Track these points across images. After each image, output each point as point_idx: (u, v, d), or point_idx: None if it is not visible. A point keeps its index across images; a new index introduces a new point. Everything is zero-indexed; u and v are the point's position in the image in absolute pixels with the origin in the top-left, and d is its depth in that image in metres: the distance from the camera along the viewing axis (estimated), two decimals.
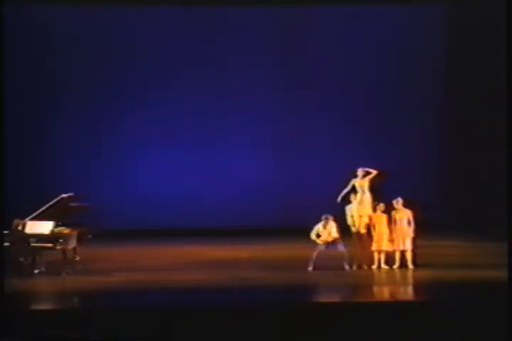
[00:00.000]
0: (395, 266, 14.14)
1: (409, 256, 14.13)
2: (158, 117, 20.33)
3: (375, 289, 12.94)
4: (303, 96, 20.35)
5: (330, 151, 20.32)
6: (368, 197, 14.46)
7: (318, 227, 14.12)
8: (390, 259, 14.27)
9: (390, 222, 14.16)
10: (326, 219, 14.07)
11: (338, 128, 20.36)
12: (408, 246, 14.09)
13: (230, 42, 20.33)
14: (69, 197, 14.28)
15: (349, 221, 14.53)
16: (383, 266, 14.16)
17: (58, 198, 14.14)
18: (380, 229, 14.14)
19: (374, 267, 14.14)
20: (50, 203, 14.08)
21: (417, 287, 13.13)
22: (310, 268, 14.00)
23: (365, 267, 14.18)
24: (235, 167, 20.33)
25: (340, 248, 14.08)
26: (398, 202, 14.19)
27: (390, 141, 20.37)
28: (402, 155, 20.31)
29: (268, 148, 20.39)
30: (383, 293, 12.78)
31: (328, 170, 20.05)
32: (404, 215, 14.15)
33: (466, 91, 20.03)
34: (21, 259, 13.84)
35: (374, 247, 14.16)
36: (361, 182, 14.54)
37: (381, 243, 14.08)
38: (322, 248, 14.03)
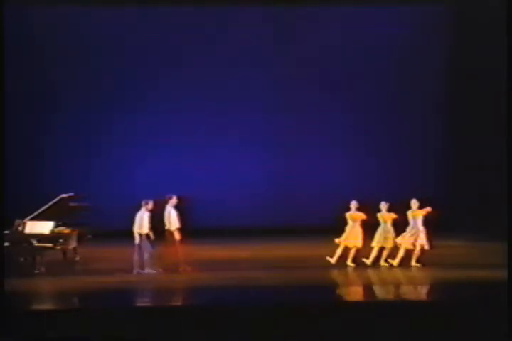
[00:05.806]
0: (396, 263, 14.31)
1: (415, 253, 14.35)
2: (159, 117, 20.31)
3: (376, 289, 12.94)
4: (303, 96, 20.34)
5: (329, 151, 20.36)
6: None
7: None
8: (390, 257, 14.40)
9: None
10: None
11: (337, 128, 20.38)
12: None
13: (230, 42, 20.33)
14: (69, 197, 14.28)
15: None
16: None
17: (58, 198, 14.14)
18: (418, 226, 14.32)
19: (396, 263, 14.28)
20: (50, 203, 14.08)
21: (417, 286, 13.12)
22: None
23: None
24: (235, 167, 20.31)
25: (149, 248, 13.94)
26: (413, 202, 14.37)
27: (391, 141, 20.39)
28: (402, 155, 20.34)
29: (270, 148, 20.39)
30: (384, 292, 12.77)
31: (329, 171, 20.12)
32: (419, 215, 14.33)
33: (466, 91, 20.03)
34: (21, 259, 13.85)
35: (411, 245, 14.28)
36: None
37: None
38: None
